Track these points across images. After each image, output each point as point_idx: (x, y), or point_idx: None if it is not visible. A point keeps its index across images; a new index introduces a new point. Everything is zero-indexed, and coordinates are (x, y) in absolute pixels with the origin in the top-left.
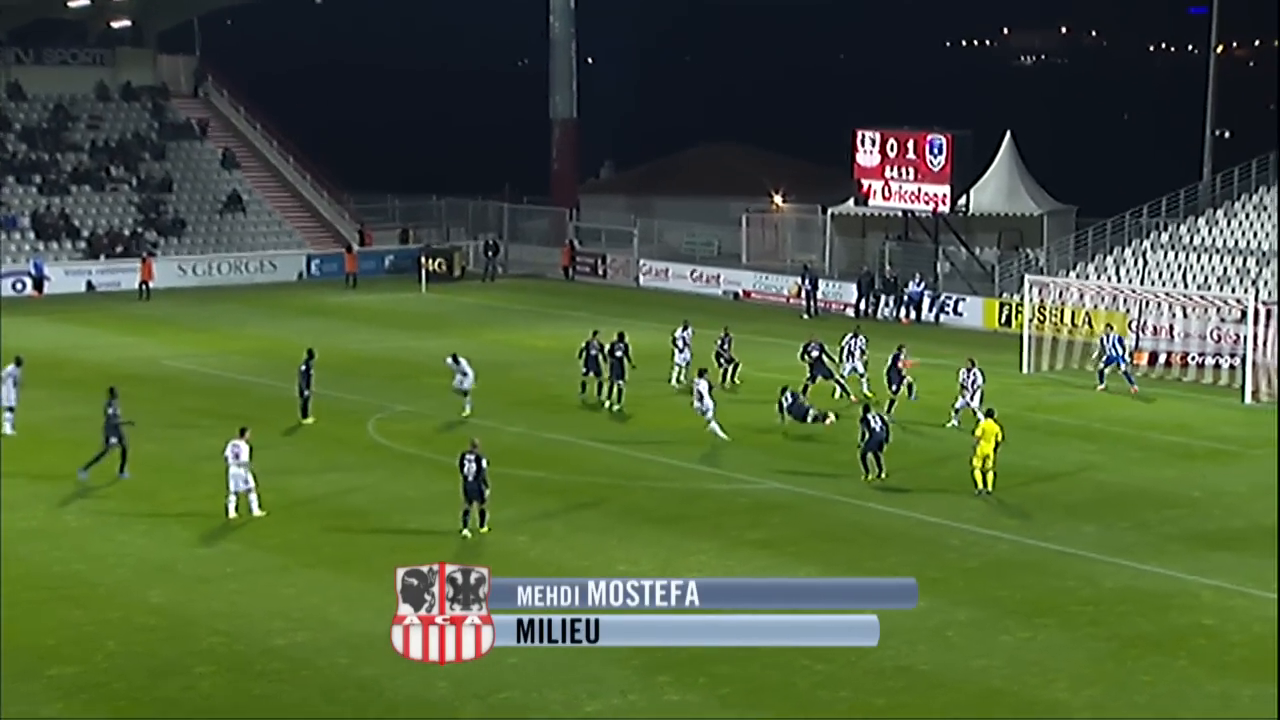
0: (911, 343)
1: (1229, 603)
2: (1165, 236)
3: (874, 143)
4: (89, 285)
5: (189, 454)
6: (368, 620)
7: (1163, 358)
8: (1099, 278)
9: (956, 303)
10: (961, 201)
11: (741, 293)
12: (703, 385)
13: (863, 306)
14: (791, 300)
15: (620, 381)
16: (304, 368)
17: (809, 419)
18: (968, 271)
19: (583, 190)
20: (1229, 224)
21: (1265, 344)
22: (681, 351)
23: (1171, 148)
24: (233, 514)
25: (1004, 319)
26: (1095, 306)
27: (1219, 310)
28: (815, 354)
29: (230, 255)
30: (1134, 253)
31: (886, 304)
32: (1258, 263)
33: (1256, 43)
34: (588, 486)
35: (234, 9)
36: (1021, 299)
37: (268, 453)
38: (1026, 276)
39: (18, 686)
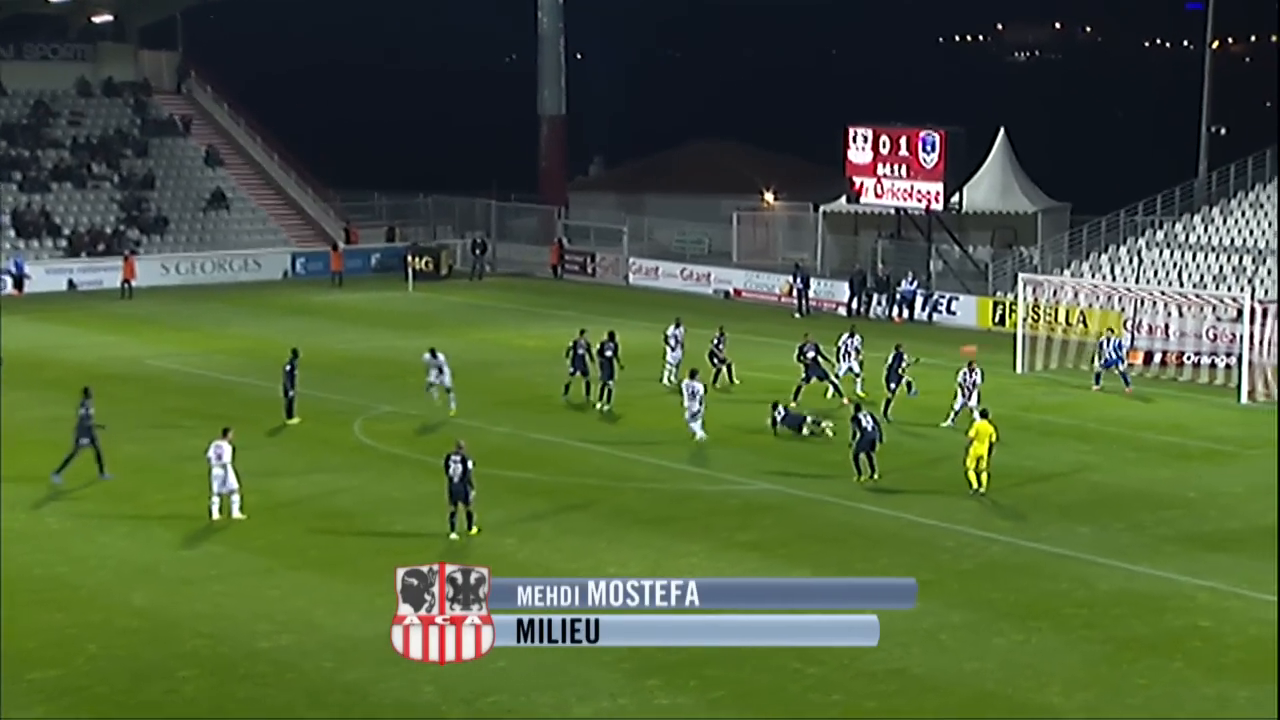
0: (904, 342)
1: (1225, 604)
2: (1160, 234)
3: (866, 140)
4: (70, 284)
5: (172, 455)
6: (354, 623)
7: (1158, 357)
8: (1094, 276)
9: (950, 301)
10: (955, 199)
11: (732, 291)
12: (698, 387)
13: (855, 305)
14: (783, 299)
15: (610, 381)
16: (289, 367)
17: (805, 430)
18: (961, 270)
19: (572, 188)
20: (1225, 222)
21: (1261, 343)
22: (674, 350)
23: (1167, 144)
24: (216, 515)
25: (998, 318)
26: (1090, 305)
27: (1215, 309)
28: (811, 355)
29: (214, 253)
30: (1129, 251)
31: (879, 303)
32: (1254, 261)
33: (1253, 38)
34: (576, 488)
35: (217, 4)
36: (1015, 298)
37: (252, 454)
38: (1020, 275)
39: None
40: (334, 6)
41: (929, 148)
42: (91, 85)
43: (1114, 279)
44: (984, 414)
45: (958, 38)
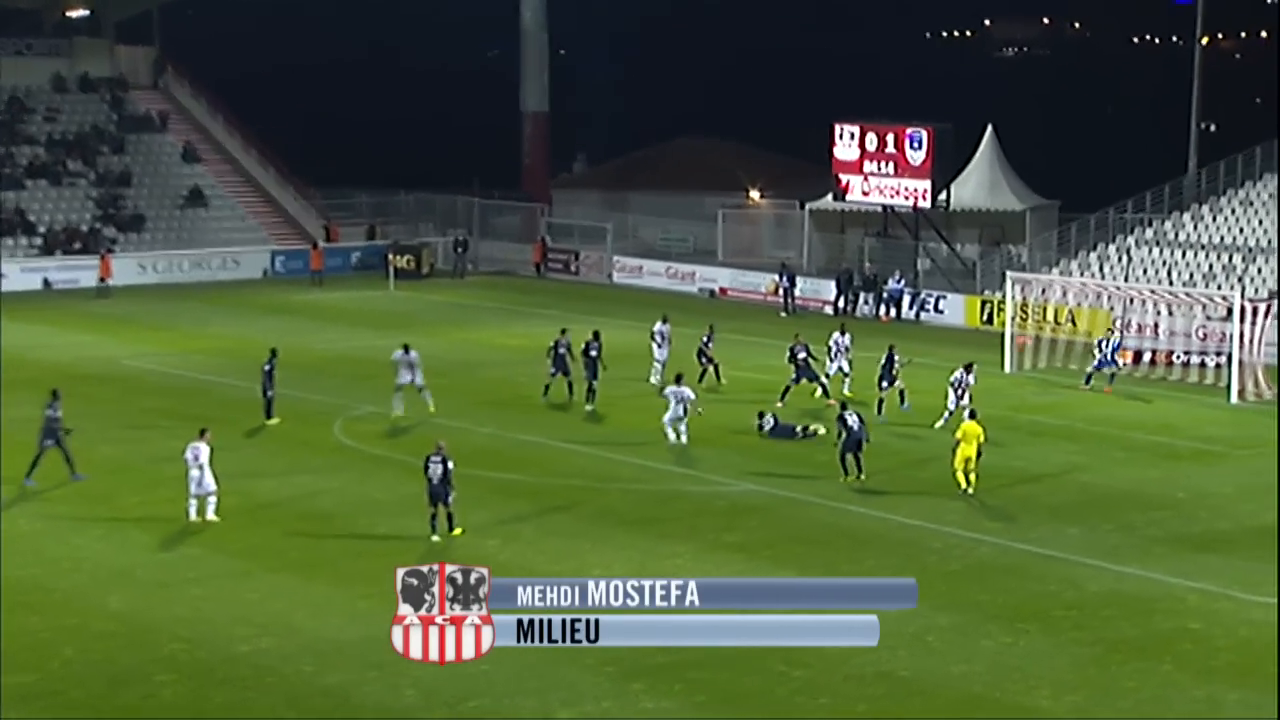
0: (893, 341)
1: (1215, 606)
2: (1150, 232)
3: (853, 137)
4: (45, 283)
5: (149, 456)
6: (334, 626)
7: (1147, 356)
8: (1082, 274)
9: (937, 300)
10: (942, 197)
11: (718, 290)
12: (687, 393)
13: (841, 304)
14: (769, 298)
15: (594, 381)
16: (267, 367)
17: (795, 437)
18: (948, 268)
19: (555, 185)
20: (1215, 219)
21: (1251, 342)
22: (660, 347)
23: (1156, 141)
24: (193, 517)
25: (986, 317)
26: (1079, 304)
27: (1205, 308)
28: (802, 355)
29: (192, 252)
30: (1118, 249)
31: (866, 301)
32: (1244, 259)
33: (1242, 34)
34: (560, 489)
35: None
36: (1003, 296)
37: (231, 455)
38: (1008, 273)
39: None
40: (314, 1)
41: (916, 145)
42: (67, 81)
43: (1103, 277)
44: (972, 415)
45: (945, 33)
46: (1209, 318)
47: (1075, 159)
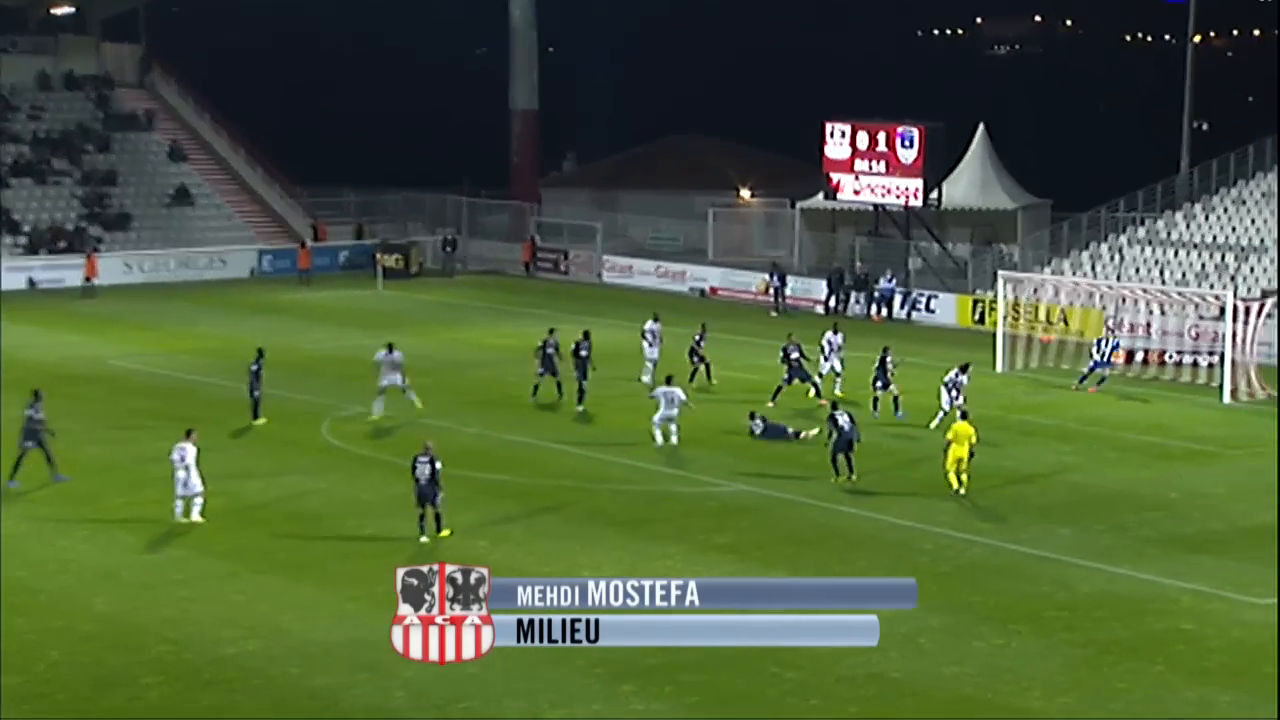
0: (884, 340)
1: (1207, 607)
2: (1142, 231)
3: (844, 135)
4: (30, 282)
5: (135, 457)
6: (322, 628)
7: (1140, 355)
8: (1074, 274)
9: (929, 300)
10: (933, 195)
11: (708, 289)
12: (678, 393)
13: (832, 303)
14: (759, 297)
15: (584, 381)
16: (254, 367)
17: (788, 438)
18: (940, 267)
19: (544, 184)
20: (1207, 218)
21: (1244, 341)
22: (652, 346)
23: (1149, 140)
24: (179, 518)
25: (977, 316)
26: (1071, 303)
27: (1197, 307)
28: (795, 355)
29: (178, 251)
30: (1110, 248)
31: (857, 301)
32: (1236, 258)
33: (1235, 32)
34: (550, 489)
35: None
36: (995, 296)
37: (218, 455)
38: (1000, 273)
39: None
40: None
41: (907, 143)
42: (52, 79)
43: (1095, 277)
44: (964, 415)
45: (936, 31)
46: (1202, 317)
47: (1067, 157)
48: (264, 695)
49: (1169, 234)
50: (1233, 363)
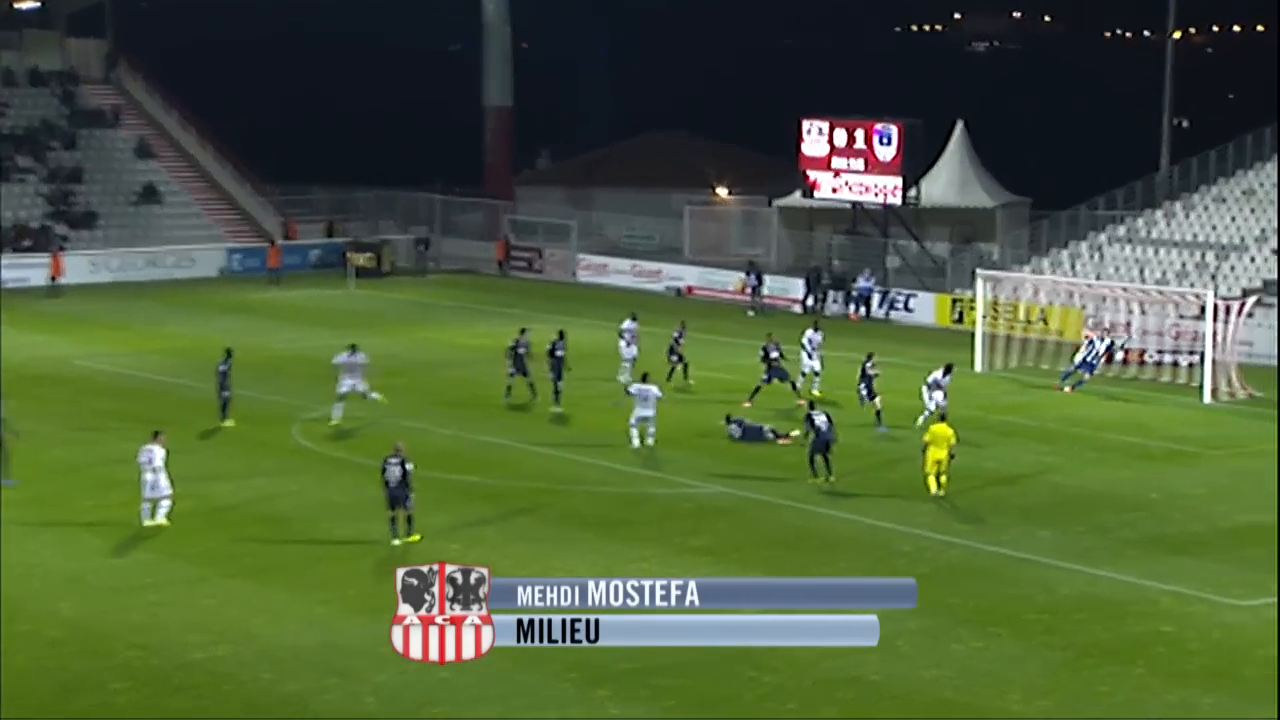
0: (861, 340)
1: (1188, 609)
2: (1122, 230)
3: (821, 132)
4: None
5: (101, 459)
6: (293, 632)
7: (1120, 355)
8: (1054, 272)
9: (907, 299)
10: (912, 193)
11: (684, 288)
12: (654, 391)
13: (810, 302)
14: (736, 296)
15: (559, 382)
16: (223, 367)
17: (767, 439)
18: (918, 266)
19: (518, 181)
20: (1188, 216)
21: (1225, 340)
22: (629, 345)
23: (1128, 137)
24: (147, 521)
25: (956, 315)
26: (1050, 303)
27: (1177, 306)
28: (774, 355)
29: (146, 249)
30: (1090, 247)
31: (835, 300)
32: (1217, 256)
33: (1214, 28)
34: (524, 491)
35: None
36: (974, 295)
37: (186, 457)
38: (979, 271)
39: None
40: None
41: (886, 140)
42: (16, 74)
43: (1074, 276)
44: (942, 417)
45: (915, 27)
46: (1182, 316)
47: (1046, 155)
48: (234, 701)
49: (1149, 232)
50: (1213, 362)
